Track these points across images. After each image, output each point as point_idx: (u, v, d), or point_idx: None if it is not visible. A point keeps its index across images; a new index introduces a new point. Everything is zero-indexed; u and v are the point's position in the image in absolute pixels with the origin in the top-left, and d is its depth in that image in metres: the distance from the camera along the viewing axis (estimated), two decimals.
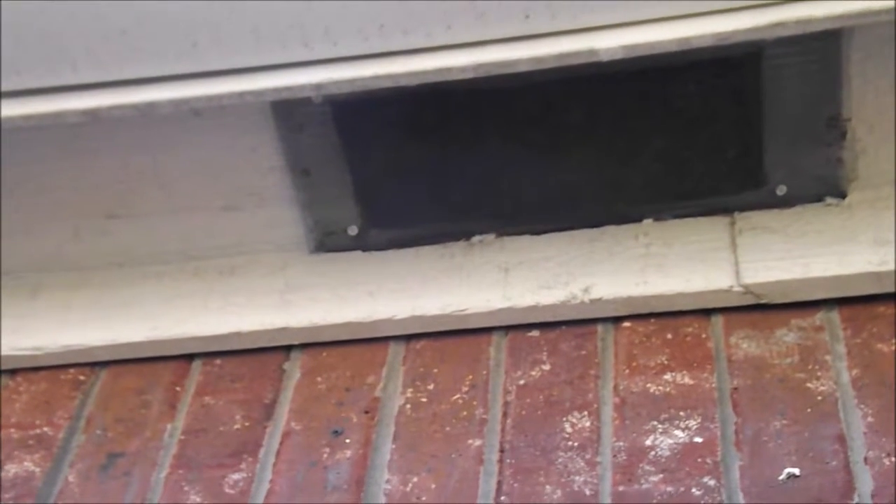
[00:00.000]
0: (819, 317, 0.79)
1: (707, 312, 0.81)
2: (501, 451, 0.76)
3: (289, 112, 0.85)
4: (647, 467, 0.72)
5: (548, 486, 0.73)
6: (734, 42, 0.76)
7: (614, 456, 0.74)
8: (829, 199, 0.84)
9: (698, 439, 0.73)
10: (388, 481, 0.75)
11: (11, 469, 0.81)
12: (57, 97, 0.81)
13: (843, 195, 0.84)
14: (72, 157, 0.88)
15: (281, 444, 0.79)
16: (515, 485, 0.73)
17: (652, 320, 0.82)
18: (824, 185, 0.84)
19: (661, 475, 0.72)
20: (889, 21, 0.75)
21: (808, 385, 0.75)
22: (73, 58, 0.81)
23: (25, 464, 0.81)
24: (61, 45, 0.80)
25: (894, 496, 0.67)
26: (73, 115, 0.81)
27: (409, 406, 0.80)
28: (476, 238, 0.89)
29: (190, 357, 0.87)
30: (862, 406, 0.73)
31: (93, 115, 0.81)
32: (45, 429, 0.84)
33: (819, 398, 0.74)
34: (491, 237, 0.89)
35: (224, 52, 0.80)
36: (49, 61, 0.81)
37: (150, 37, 0.80)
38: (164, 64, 0.80)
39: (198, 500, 0.77)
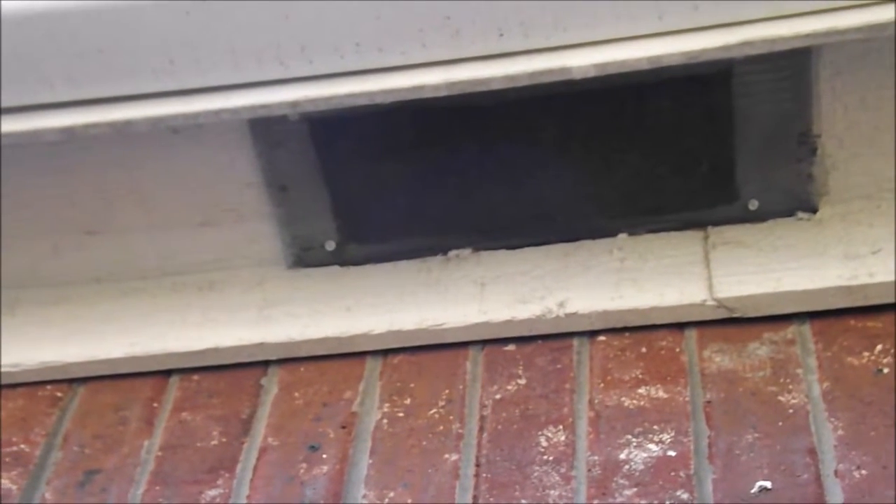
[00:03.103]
0: (791, 330, 0.80)
1: (681, 326, 0.82)
2: (477, 465, 0.76)
3: (266, 129, 0.85)
4: (622, 481, 0.73)
5: (523, 500, 0.73)
6: (704, 60, 0.77)
7: (589, 470, 0.74)
8: (800, 214, 0.85)
9: (672, 453, 0.74)
10: (364, 496, 0.76)
11: None
12: (34, 115, 0.82)
13: (814, 210, 0.85)
14: (50, 175, 0.88)
15: (258, 459, 0.80)
16: (491, 499, 0.74)
17: (626, 334, 0.83)
18: (796, 200, 0.85)
19: (635, 489, 0.72)
20: (857, 39, 0.76)
21: (780, 398, 0.76)
22: (50, 76, 0.81)
23: (2, 481, 0.81)
24: (38, 64, 0.81)
25: None
26: (51, 133, 0.81)
27: (385, 421, 0.81)
28: (453, 253, 0.89)
29: (168, 373, 0.87)
30: (832, 419, 0.74)
31: (70, 133, 0.81)
32: (22, 446, 0.84)
33: (791, 411, 0.75)
34: (467, 252, 0.89)
35: (201, 70, 0.80)
36: (26, 80, 0.81)
37: (126, 55, 0.80)
38: (140, 82, 0.81)
39: None
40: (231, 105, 0.80)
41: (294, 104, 0.80)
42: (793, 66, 0.80)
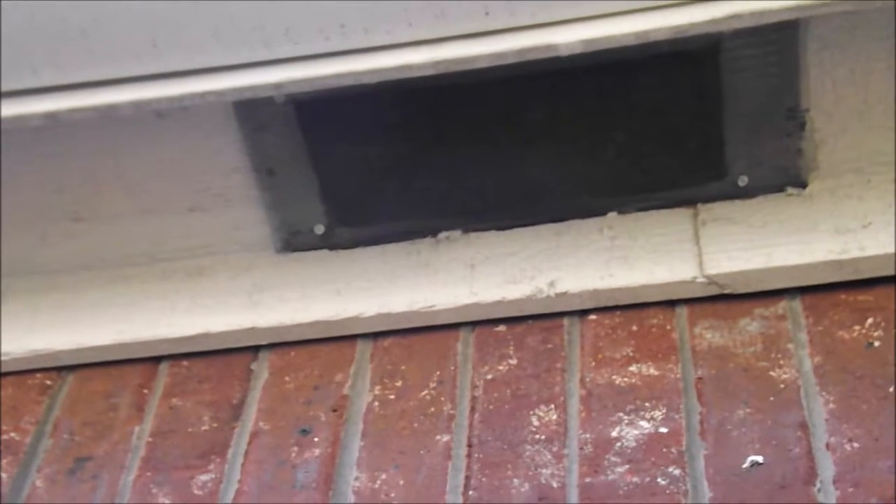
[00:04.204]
0: (781, 306, 0.80)
1: (671, 304, 0.82)
2: (469, 445, 0.76)
3: (251, 112, 0.85)
4: (614, 458, 0.73)
5: (515, 480, 0.73)
6: (692, 35, 0.76)
7: (581, 448, 0.74)
8: (790, 189, 0.85)
9: (664, 429, 0.74)
10: (356, 479, 0.75)
11: None
12: (17, 100, 0.81)
13: (803, 185, 0.85)
14: (35, 161, 0.88)
15: (249, 444, 0.79)
16: (483, 479, 0.74)
17: (617, 313, 0.83)
18: (785, 176, 0.85)
19: (627, 466, 0.72)
20: (844, 10, 0.76)
21: (771, 373, 0.76)
22: (32, 61, 0.80)
23: None
24: (21, 48, 0.80)
25: (855, 481, 0.68)
26: (34, 118, 0.81)
27: (377, 403, 0.80)
28: (442, 235, 0.89)
29: (157, 359, 0.87)
30: (824, 393, 0.74)
31: (54, 118, 0.81)
32: (12, 434, 0.84)
33: (782, 386, 0.75)
34: (457, 233, 0.89)
35: (185, 53, 0.80)
36: (8, 65, 0.80)
37: (110, 38, 0.79)
38: (124, 65, 0.80)
39: (166, 501, 0.77)
40: (216, 87, 0.79)
41: (279, 86, 0.79)
42: (781, 40, 0.80)
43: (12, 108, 0.81)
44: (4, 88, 0.81)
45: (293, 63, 0.79)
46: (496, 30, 0.78)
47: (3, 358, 0.88)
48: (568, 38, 0.76)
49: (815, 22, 0.79)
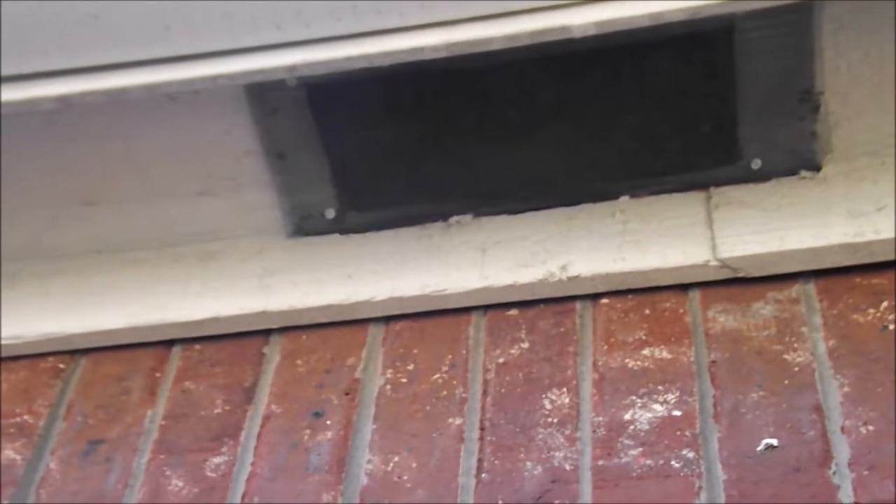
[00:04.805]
0: (795, 289, 0.80)
1: (684, 287, 0.82)
2: (482, 428, 0.76)
3: (263, 95, 0.84)
4: (627, 441, 0.73)
5: (528, 463, 0.73)
6: (706, 16, 0.76)
7: (594, 431, 0.74)
8: (803, 172, 0.85)
9: (677, 412, 0.74)
10: (369, 461, 0.76)
11: None
12: (29, 84, 0.81)
13: (817, 168, 0.84)
14: (46, 145, 0.88)
15: (262, 427, 0.80)
16: (496, 462, 0.74)
17: (630, 296, 0.82)
18: (799, 159, 0.84)
19: (640, 449, 0.72)
20: None
21: (786, 357, 0.76)
22: (44, 44, 0.80)
23: (7, 452, 0.81)
24: (32, 32, 0.80)
25: (871, 464, 0.68)
26: (46, 102, 0.81)
27: (389, 387, 0.80)
28: (454, 219, 0.89)
29: (169, 343, 0.87)
30: (838, 376, 0.73)
31: (65, 101, 0.81)
32: (26, 417, 0.84)
33: (796, 369, 0.75)
34: (468, 217, 0.89)
35: (197, 36, 0.80)
36: (20, 48, 0.80)
37: (121, 21, 0.79)
38: (136, 49, 0.80)
39: (180, 484, 0.77)
40: (227, 70, 0.79)
41: (291, 68, 0.79)
42: (795, 22, 0.79)
43: (24, 92, 0.81)
44: (16, 72, 0.81)
45: (305, 46, 0.79)
46: (509, 12, 0.77)
47: (15, 341, 0.88)
48: (582, 19, 0.76)
49: (830, 3, 0.78)
